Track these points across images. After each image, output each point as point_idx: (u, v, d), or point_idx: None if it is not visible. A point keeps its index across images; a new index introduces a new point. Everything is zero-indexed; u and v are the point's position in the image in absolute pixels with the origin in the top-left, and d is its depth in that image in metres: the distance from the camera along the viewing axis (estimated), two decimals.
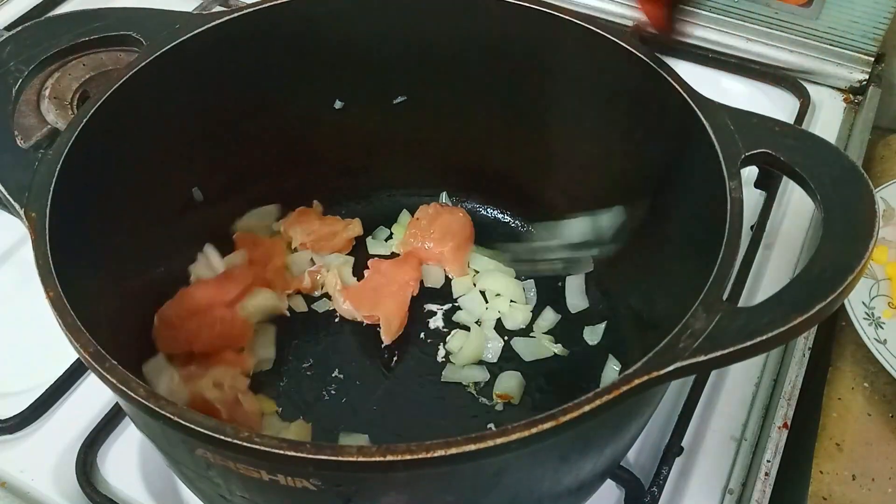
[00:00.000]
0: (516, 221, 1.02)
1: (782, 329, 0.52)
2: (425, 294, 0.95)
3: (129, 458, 0.82)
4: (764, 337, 0.52)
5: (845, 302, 0.82)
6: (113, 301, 0.76)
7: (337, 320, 0.93)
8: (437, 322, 0.93)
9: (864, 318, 0.84)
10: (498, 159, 0.97)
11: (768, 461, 0.81)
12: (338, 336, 0.92)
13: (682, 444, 0.82)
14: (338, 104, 0.93)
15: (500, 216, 1.03)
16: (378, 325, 0.90)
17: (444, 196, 1.03)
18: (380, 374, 0.88)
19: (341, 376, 0.88)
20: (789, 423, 0.83)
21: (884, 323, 0.84)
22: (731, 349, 0.52)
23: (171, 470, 0.68)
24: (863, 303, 0.86)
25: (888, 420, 0.83)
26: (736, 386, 0.89)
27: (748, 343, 0.52)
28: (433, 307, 0.95)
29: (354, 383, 0.88)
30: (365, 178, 1.02)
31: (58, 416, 0.85)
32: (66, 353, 0.58)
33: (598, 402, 0.50)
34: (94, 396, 0.85)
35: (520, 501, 0.62)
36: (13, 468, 0.82)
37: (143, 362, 0.80)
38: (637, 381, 0.51)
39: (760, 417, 0.86)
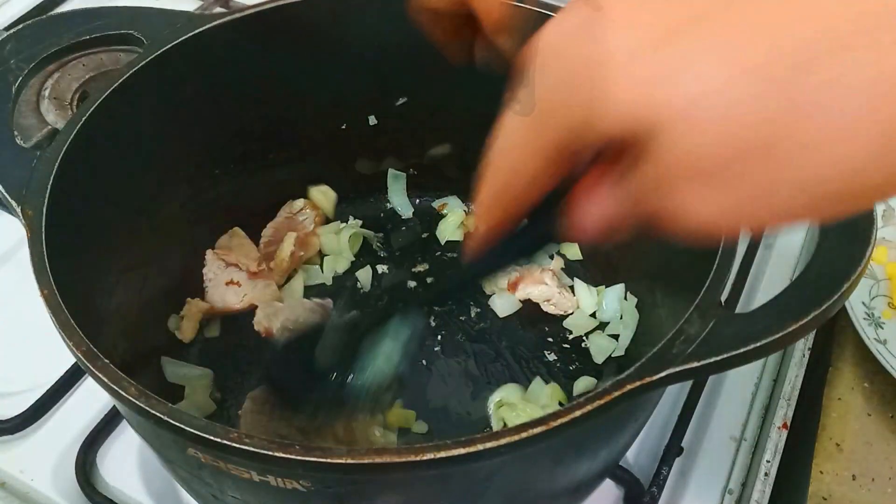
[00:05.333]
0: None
1: (777, 336, 0.52)
2: None
3: (128, 459, 0.82)
4: (758, 343, 0.52)
5: (845, 302, 0.82)
6: (113, 301, 0.76)
7: None
8: None
9: (865, 319, 0.84)
10: None
11: (768, 461, 0.81)
12: None
13: (682, 445, 0.82)
14: (338, 105, 0.93)
15: None
16: None
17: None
18: None
19: None
20: (789, 424, 0.83)
21: (884, 323, 0.84)
22: (725, 356, 0.52)
23: (166, 469, 0.68)
24: (863, 303, 0.85)
25: (888, 420, 0.83)
26: (735, 386, 0.89)
27: (742, 350, 0.52)
28: None
29: None
30: (367, 180, 1.02)
31: (58, 416, 0.85)
32: (66, 354, 0.58)
33: (589, 408, 0.49)
34: (93, 397, 0.85)
35: (513, 503, 0.62)
36: (13, 468, 0.82)
37: (141, 363, 0.81)
38: (629, 387, 0.51)
39: (760, 418, 0.86)
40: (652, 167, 0.36)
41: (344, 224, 1.00)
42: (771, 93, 0.33)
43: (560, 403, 0.84)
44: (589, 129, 0.37)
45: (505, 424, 0.81)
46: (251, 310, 0.90)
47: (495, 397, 0.85)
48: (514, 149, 0.42)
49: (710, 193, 0.35)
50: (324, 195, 1.00)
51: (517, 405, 0.83)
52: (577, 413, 0.49)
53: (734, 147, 0.34)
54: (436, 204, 1.03)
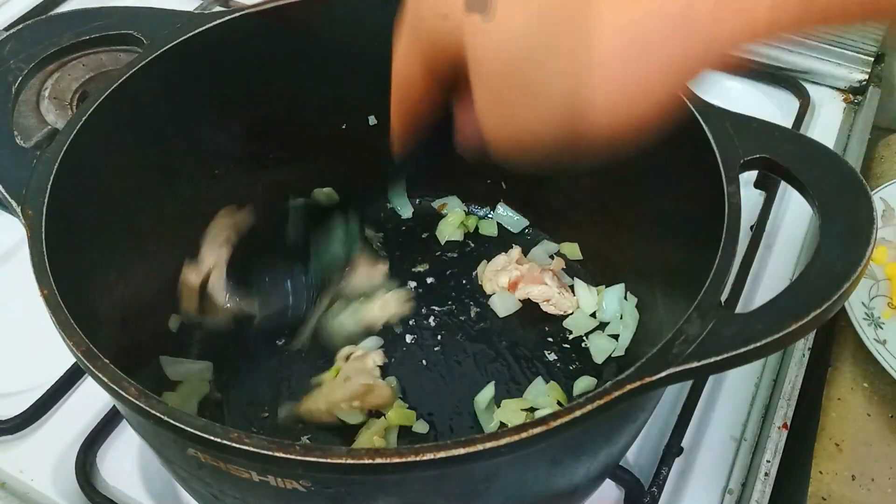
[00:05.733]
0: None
1: (777, 336, 0.52)
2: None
3: (128, 459, 0.82)
4: (758, 343, 0.52)
5: (845, 302, 0.82)
6: (113, 301, 0.76)
7: None
8: None
9: (864, 319, 0.84)
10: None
11: (768, 461, 0.81)
12: None
13: (682, 445, 0.82)
14: (338, 105, 0.93)
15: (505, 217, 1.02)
16: None
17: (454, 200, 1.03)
18: None
19: None
20: (789, 424, 0.83)
21: (883, 323, 0.84)
22: (725, 356, 0.52)
23: (166, 469, 0.68)
24: (862, 303, 0.85)
25: (888, 420, 0.83)
26: (736, 386, 0.88)
27: (742, 350, 0.52)
28: None
29: None
30: (368, 180, 1.01)
31: (58, 416, 0.85)
32: (66, 354, 0.58)
33: (589, 408, 0.49)
34: (93, 397, 0.85)
35: (513, 503, 0.62)
36: (13, 468, 0.82)
37: (141, 363, 0.81)
38: (629, 387, 0.51)
39: (760, 418, 0.86)
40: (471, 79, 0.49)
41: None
42: (541, 27, 0.44)
43: (560, 403, 0.84)
44: (440, 41, 0.50)
45: (504, 425, 0.82)
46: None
47: (479, 399, 0.85)
48: (399, 60, 0.57)
49: (495, 104, 0.48)
50: (328, 199, 1.00)
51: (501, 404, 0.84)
52: (577, 413, 0.49)
53: (512, 63, 0.46)
54: (436, 204, 1.03)
